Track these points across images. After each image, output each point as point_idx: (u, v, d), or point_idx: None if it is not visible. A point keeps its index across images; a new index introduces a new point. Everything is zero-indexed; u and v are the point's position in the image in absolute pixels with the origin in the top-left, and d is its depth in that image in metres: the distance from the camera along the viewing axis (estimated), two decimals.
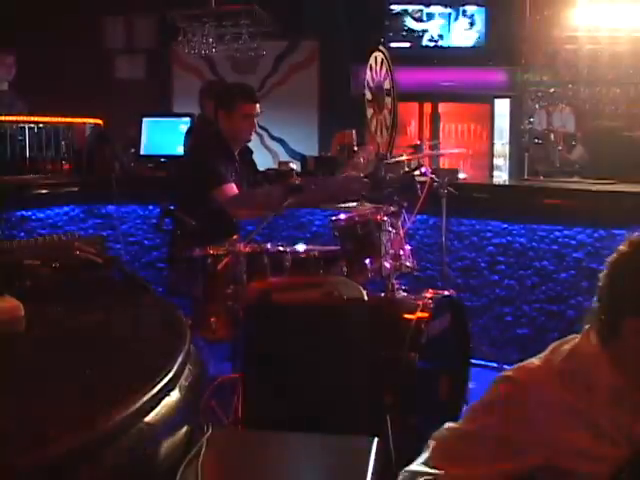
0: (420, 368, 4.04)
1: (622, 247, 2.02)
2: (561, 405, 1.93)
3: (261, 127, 9.83)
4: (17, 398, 1.59)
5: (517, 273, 5.94)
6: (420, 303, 4.22)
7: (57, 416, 1.51)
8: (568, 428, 1.92)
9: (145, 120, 7.35)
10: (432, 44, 9.29)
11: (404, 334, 4.03)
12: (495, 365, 5.63)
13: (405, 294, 4.42)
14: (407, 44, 9.22)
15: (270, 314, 3.82)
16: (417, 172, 4.81)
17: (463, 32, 9.23)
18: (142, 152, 7.27)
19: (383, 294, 4.37)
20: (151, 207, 6.84)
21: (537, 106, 9.28)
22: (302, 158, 6.93)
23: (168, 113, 8.96)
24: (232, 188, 4.83)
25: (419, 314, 4.14)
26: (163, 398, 1.72)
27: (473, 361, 4.86)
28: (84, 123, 7.00)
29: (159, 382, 1.70)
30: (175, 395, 1.79)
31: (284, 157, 8.99)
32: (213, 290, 4.12)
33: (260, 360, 3.80)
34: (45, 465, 1.36)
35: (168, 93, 10.08)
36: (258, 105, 5.08)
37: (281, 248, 4.32)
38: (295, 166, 4.80)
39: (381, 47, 6.42)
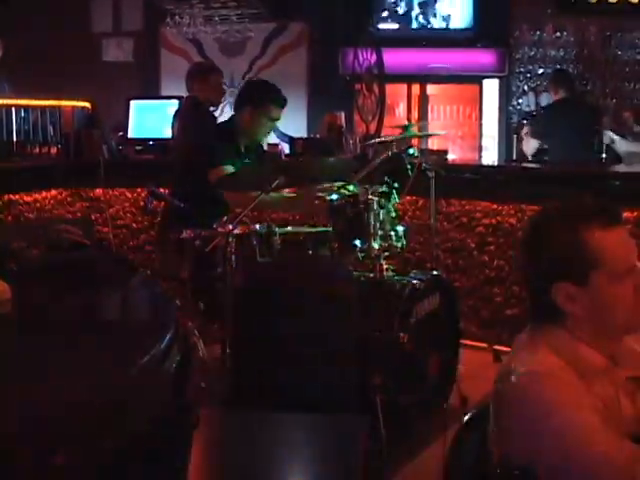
0: (409, 349, 4.04)
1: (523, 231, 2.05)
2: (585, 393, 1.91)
3: None
4: (2, 380, 1.58)
5: (507, 254, 5.93)
6: (409, 283, 4.22)
7: (43, 399, 1.50)
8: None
9: (133, 103, 7.34)
10: (420, 25, 9.27)
11: (393, 315, 4.04)
12: (485, 346, 5.64)
13: (394, 274, 4.41)
14: (396, 25, 9.19)
15: (260, 295, 3.82)
16: (406, 153, 4.79)
17: (451, 13, 9.21)
18: (130, 135, 7.26)
19: (372, 275, 4.37)
20: (139, 190, 6.82)
21: (526, 87, 9.29)
22: (290, 140, 6.92)
23: (156, 96, 8.93)
24: (228, 169, 4.81)
25: (408, 294, 4.14)
26: (150, 379, 1.71)
27: (463, 342, 4.87)
28: (72, 106, 6.98)
29: (146, 363, 1.69)
30: (162, 376, 1.78)
31: (272, 139, 8.96)
32: (202, 272, 4.12)
33: (250, 341, 3.80)
34: (32, 448, 1.35)
35: (156, 76, 10.04)
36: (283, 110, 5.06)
37: (270, 229, 4.31)
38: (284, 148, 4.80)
39: (370, 29, 6.41)
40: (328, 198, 4.41)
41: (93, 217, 6.59)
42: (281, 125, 9.48)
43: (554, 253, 1.93)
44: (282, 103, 5.01)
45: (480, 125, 9.46)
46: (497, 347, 5.54)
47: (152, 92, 9.49)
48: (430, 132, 5.50)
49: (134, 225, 6.89)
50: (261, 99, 4.95)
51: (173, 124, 6.64)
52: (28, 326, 1.98)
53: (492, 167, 6.42)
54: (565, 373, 1.90)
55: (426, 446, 4.10)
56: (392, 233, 4.39)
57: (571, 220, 1.95)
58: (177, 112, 6.81)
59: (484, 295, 6.02)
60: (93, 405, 1.49)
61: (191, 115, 6.24)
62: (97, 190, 6.76)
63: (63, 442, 1.42)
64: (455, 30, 9.18)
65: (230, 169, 4.75)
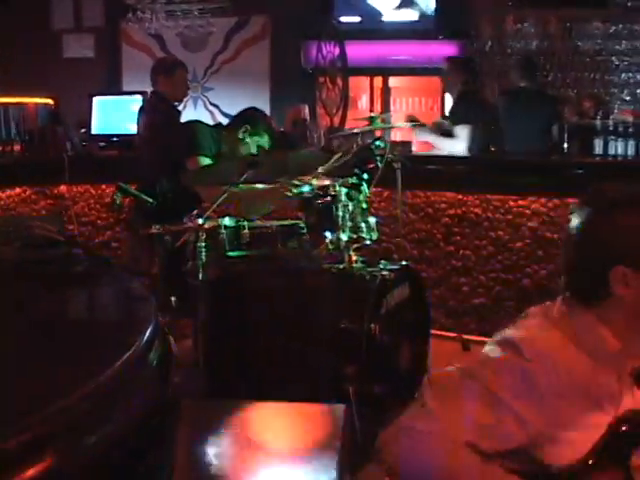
0: (381, 339, 4.07)
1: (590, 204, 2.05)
2: (568, 379, 1.93)
3: (212, 104, 9.80)
4: None
5: (472, 243, 5.99)
6: (379, 274, 4.25)
7: (28, 394, 1.50)
8: (571, 403, 1.93)
9: (96, 99, 7.30)
10: (382, 18, 9.29)
11: (364, 305, 4.06)
12: (453, 335, 5.68)
13: (364, 266, 4.44)
14: (357, 18, 9.21)
15: (231, 288, 3.83)
16: (375, 145, 4.82)
17: (413, 6, 9.24)
18: (93, 131, 7.22)
19: (342, 266, 4.39)
20: (104, 186, 6.80)
21: (486, 78, 9.35)
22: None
23: (119, 92, 8.89)
24: (205, 161, 5.02)
25: (378, 285, 4.17)
26: (135, 372, 1.72)
27: (432, 332, 4.90)
28: (35, 103, 6.93)
29: (130, 356, 1.70)
30: (146, 369, 1.79)
31: None
32: (172, 267, 4.11)
33: (222, 334, 3.81)
34: (16, 445, 1.34)
35: (117, 72, 9.98)
36: None
37: (239, 223, 4.32)
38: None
39: (333, 22, 6.43)
40: (298, 191, 4.43)
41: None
42: None
43: (622, 237, 1.95)
44: (274, 138, 5.33)
45: (442, 117, 9.49)
46: (466, 336, 5.59)
47: (114, 88, 9.44)
48: (397, 124, 5.52)
49: (99, 222, 6.86)
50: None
51: (138, 120, 6.62)
52: (5, 324, 1.97)
53: (456, 158, 6.44)
54: (557, 352, 1.94)
55: None
56: (363, 225, 4.42)
57: None
58: (142, 108, 6.78)
59: (451, 285, 6.08)
60: (78, 403, 1.49)
61: (156, 111, 6.22)
62: (61, 187, 6.73)
63: (48, 440, 1.41)
64: (417, 22, 9.21)
65: (207, 161, 4.99)
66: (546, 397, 1.90)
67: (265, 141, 5.22)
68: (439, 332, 5.63)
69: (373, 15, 9.27)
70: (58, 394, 1.48)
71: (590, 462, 1.91)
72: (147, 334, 1.86)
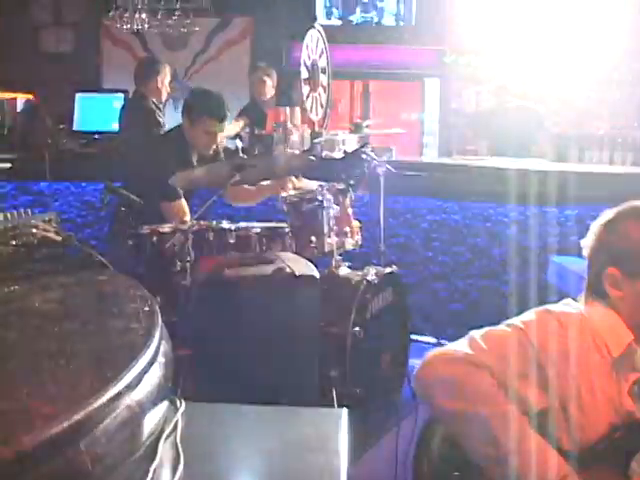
0: (365, 343, 4.12)
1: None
2: (579, 358, 2.06)
3: None
4: None
5: (451, 249, 6.06)
6: (364, 279, 4.30)
7: (43, 397, 1.50)
8: (577, 385, 2.05)
9: (78, 96, 7.29)
10: (363, 22, 9.35)
11: (350, 309, 4.11)
12: (433, 340, 5.74)
13: (349, 270, 4.49)
14: (339, 22, 9.26)
15: (222, 290, 3.85)
16: (363, 150, 4.86)
17: (394, 10, 9.30)
18: (75, 128, 7.21)
19: (327, 270, 4.43)
20: (84, 184, 6.79)
21: (464, 86, 9.43)
22: (237, 135, 6.94)
23: (101, 89, 8.86)
24: (181, 206, 4.75)
25: (363, 290, 4.22)
26: (146, 374, 1.73)
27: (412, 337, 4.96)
28: (15, 98, 6.91)
29: (143, 357, 1.71)
30: (156, 370, 1.81)
31: None
32: (160, 268, 4.11)
33: (211, 336, 3.83)
34: (29, 450, 1.35)
35: (97, 68, 9.92)
36: (224, 123, 4.91)
37: (225, 225, 4.33)
38: (239, 144, 4.82)
39: (316, 25, 6.46)
40: (285, 194, 4.47)
41: (37, 211, 6.52)
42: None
43: (619, 242, 2.14)
44: (220, 116, 4.84)
45: (421, 123, 9.57)
46: (443, 342, 5.65)
47: (93, 84, 9.39)
48: (385, 130, 5.55)
49: (79, 220, 6.86)
50: (196, 111, 4.81)
51: (120, 119, 6.62)
52: (17, 325, 1.96)
53: (438, 164, 6.51)
54: (568, 339, 2.06)
55: (381, 436, 4.19)
56: (347, 229, 4.47)
57: None
58: (124, 107, 6.79)
59: (429, 290, 6.13)
60: (92, 401, 1.49)
61: (138, 110, 6.23)
62: (41, 184, 6.71)
63: (70, 438, 1.42)
64: (397, 28, 9.26)
65: (183, 206, 4.74)
66: (551, 377, 2.04)
67: (212, 126, 4.83)
68: (417, 337, 5.69)
69: (354, 19, 9.32)
70: (73, 399, 1.49)
71: (594, 451, 2.02)
72: (156, 335, 1.88)
